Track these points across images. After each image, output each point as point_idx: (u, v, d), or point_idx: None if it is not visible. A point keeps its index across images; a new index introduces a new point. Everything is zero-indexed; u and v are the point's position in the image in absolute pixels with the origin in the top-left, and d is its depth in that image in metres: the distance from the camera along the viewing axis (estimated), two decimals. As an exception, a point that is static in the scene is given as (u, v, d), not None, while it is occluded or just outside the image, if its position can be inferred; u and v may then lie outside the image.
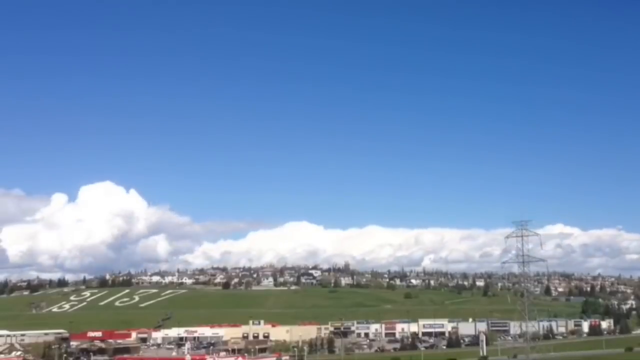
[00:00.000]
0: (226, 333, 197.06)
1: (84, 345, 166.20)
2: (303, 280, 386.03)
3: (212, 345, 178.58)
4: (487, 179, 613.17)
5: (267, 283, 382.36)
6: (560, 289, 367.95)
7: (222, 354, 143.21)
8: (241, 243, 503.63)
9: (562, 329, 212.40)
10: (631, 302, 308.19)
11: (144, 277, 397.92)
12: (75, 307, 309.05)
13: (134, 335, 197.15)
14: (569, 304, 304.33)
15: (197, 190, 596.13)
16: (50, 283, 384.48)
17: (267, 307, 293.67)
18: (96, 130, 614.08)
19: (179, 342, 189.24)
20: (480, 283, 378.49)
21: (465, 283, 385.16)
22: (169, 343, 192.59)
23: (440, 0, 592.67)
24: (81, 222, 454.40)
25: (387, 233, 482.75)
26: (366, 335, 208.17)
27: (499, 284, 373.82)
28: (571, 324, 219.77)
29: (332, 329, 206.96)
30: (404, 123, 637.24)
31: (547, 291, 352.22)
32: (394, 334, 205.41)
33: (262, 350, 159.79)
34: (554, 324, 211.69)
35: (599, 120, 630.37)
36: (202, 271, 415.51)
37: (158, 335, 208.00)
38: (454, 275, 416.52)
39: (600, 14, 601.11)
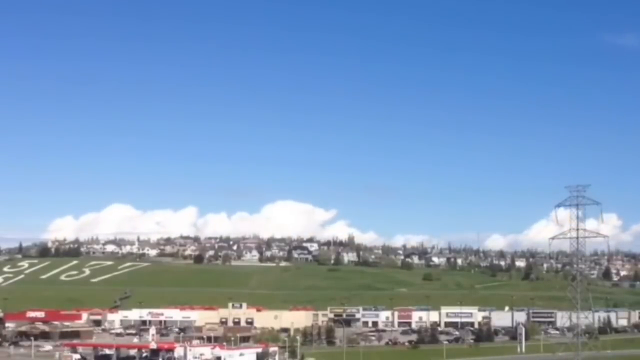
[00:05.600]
0: (200, 317, 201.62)
1: (23, 328, 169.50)
2: (295, 255, 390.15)
3: (182, 331, 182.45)
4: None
5: (251, 257, 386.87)
6: (624, 272, 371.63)
7: (196, 341, 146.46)
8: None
9: (623, 322, 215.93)
10: None
11: (95, 246, 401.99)
12: (10, 281, 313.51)
13: (84, 316, 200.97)
14: (633, 291, 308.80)
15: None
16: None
17: (251, 287, 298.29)
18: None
19: (141, 326, 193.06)
20: (520, 263, 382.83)
21: (502, 263, 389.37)
22: (129, 327, 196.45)
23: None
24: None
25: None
26: (374, 324, 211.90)
27: (545, 265, 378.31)
28: (635, 316, 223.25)
29: (331, 315, 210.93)
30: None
31: (607, 274, 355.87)
32: (409, 324, 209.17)
33: (245, 339, 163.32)
34: (613, 315, 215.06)
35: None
36: (168, 240, 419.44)
37: (115, 317, 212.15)
38: (487, 253, 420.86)
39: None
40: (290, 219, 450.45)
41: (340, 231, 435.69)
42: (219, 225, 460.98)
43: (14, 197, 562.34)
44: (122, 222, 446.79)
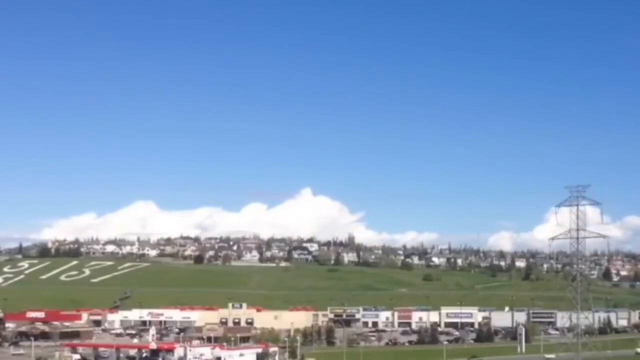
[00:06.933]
0: (200, 317, 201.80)
1: (23, 328, 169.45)
2: (295, 255, 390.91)
3: (182, 331, 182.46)
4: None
5: (251, 258, 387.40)
6: (624, 273, 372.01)
7: (196, 342, 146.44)
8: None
9: (623, 322, 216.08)
10: None
11: (95, 246, 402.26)
12: (10, 281, 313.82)
13: (84, 317, 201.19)
14: (633, 291, 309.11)
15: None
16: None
17: (251, 287, 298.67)
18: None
19: (141, 326, 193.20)
20: (521, 264, 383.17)
21: (502, 263, 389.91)
22: (129, 327, 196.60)
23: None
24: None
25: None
26: (374, 324, 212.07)
27: (545, 265, 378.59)
28: (635, 316, 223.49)
29: (331, 316, 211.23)
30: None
31: (607, 275, 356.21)
32: (409, 324, 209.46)
33: (245, 340, 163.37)
34: (613, 315, 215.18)
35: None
36: (168, 241, 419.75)
37: (115, 317, 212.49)
38: (487, 253, 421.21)
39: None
40: (308, 219, 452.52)
41: (361, 232, 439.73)
42: (236, 223, 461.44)
43: (15, 197, 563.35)
44: (141, 220, 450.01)
